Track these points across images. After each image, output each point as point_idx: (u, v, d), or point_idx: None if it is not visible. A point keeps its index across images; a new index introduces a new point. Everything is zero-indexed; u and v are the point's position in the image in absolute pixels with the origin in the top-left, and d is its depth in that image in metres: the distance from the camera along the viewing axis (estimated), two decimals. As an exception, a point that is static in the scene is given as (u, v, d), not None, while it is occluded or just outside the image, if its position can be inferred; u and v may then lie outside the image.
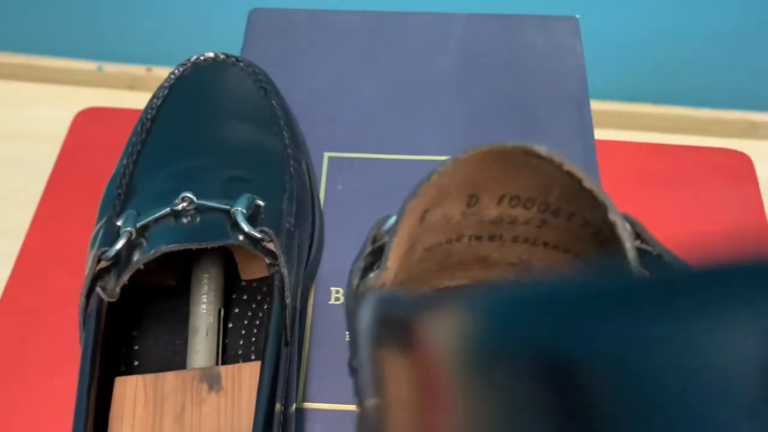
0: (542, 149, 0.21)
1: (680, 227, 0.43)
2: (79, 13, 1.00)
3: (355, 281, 0.24)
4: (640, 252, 0.22)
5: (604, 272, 0.09)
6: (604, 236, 0.22)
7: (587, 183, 0.21)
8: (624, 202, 0.45)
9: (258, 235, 0.25)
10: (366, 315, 0.19)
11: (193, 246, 0.24)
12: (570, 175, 0.21)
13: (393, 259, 0.22)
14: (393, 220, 0.24)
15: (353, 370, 0.30)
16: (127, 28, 1.01)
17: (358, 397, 0.24)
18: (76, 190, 0.43)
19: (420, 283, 0.28)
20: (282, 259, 0.25)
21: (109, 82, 1.07)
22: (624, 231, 0.21)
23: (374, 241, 0.25)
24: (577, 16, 0.42)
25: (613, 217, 0.21)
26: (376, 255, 0.24)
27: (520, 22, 0.42)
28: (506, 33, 0.41)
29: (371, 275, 0.22)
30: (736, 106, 0.97)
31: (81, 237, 0.40)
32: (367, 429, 0.20)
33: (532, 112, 0.38)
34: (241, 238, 0.25)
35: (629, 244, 0.21)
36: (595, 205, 0.21)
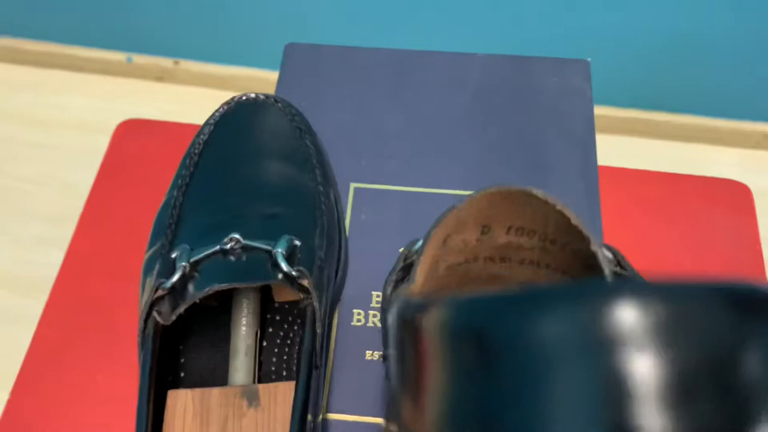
0: (539, 192, 0.26)
1: (676, 253, 0.46)
2: (110, 3, 1.03)
3: (389, 289, 0.29)
4: (618, 275, 0.27)
5: (506, 290, 0.17)
6: (590, 262, 0.27)
7: (574, 221, 0.26)
8: (625, 228, 0.49)
9: (295, 273, 0.29)
10: (393, 314, 0.24)
11: (241, 285, 0.28)
12: (562, 213, 0.26)
13: (420, 274, 0.27)
14: (420, 243, 0.28)
15: (385, 358, 0.35)
16: (156, 20, 1.04)
17: (389, 380, 0.29)
18: (117, 199, 0.45)
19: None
20: (314, 295, 0.29)
21: (138, 73, 1.11)
22: (604, 259, 0.26)
23: (405, 258, 0.30)
24: (589, 59, 0.45)
25: (594, 248, 0.26)
26: (406, 270, 0.29)
27: (534, 64, 0.45)
28: (521, 74, 0.44)
29: (403, 286, 0.27)
30: (752, 117, 0.98)
31: (121, 244, 0.44)
32: (392, 401, 0.25)
33: (541, 150, 0.42)
34: (280, 276, 0.29)
35: (608, 270, 0.26)
36: (581, 237, 0.26)
